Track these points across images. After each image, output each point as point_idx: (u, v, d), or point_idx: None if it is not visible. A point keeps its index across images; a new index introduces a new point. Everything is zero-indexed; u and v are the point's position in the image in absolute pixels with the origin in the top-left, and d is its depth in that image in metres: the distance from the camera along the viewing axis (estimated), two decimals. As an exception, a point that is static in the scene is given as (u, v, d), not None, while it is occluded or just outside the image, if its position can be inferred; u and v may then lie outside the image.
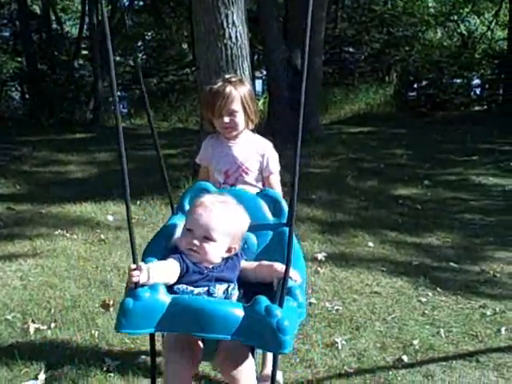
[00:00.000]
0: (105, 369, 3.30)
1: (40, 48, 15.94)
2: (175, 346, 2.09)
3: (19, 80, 16.40)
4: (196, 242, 2.14)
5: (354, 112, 14.88)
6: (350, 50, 18.93)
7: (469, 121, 12.55)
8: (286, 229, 2.33)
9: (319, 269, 4.78)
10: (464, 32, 16.96)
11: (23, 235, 5.61)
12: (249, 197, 2.52)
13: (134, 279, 1.87)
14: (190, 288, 2.09)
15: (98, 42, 14.41)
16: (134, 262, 1.89)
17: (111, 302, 4.08)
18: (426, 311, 4.02)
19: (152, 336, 2.06)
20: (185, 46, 21.56)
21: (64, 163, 8.89)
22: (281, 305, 1.83)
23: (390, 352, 3.48)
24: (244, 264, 2.27)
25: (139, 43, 20.44)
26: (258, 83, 17.55)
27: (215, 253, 2.17)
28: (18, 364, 3.36)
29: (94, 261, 4.95)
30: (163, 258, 2.15)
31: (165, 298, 1.87)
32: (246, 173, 2.93)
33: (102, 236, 5.52)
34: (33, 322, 3.84)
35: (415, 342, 3.58)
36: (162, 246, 2.27)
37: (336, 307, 4.06)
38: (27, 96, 16.91)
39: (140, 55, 20.28)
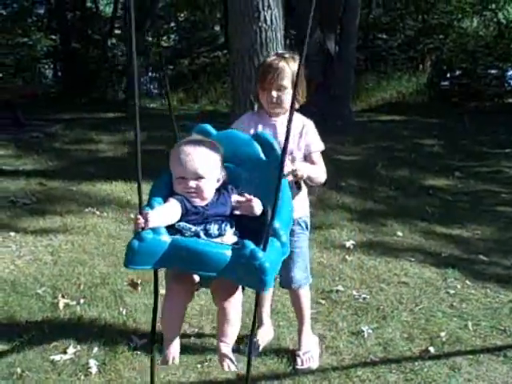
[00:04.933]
0: (132, 346, 3.34)
1: (74, 26, 16.01)
2: (173, 277, 2.31)
3: (52, 58, 16.52)
4: (191, 183, 2.32)
5: (385, 100, 14.68)
6: (384, 36, 18.67)
7: (502, 112, 12.31)
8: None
9: (347, 256, 4.76)
10: (502, 21, 16.52)
11: (54, 211, 5.68)
12: (243, 138, 2.59)
13: (139, 226, 2.10)
14: (189, 225, 2.27)
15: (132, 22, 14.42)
16: (140, 209, 2.14)
17: (139, 281, 4.12)
18: (454, 303, 3.98)
19: (155, 272, 2.29)
20: (217, 28, 21.50)
21: (95, 142, 8.94)
22: (264, 248, 2.05)
23: (416, 343, 3.47)
24: (234, 199, 2.40)
25: (172, 24, 20.43)
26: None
27: (209, 187, 2.35)
28: (47, 338, 3.43)
29: (124, 239, 4.99)
30: (166, 198, 2.34)
31: (165, 239, 2.11)
32: (291, 152, 2.88)
33: (132, 215, 5.56)
34: (62, 297, 3.91)
35: (442, 333, 3.56)
36: (165, 189, 2.42)
37: (363, 296, 4.05)
38: (60, 74, 17.03)
39: (173, 36, 20.29)
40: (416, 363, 3.26)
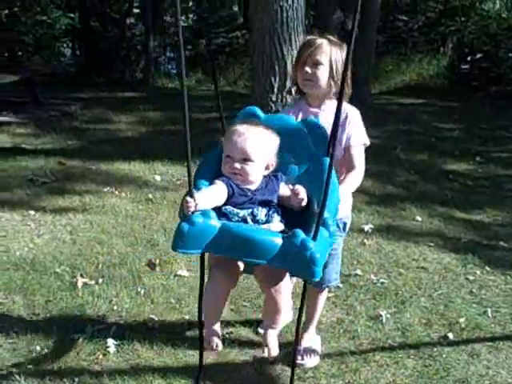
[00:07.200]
0: (150, 327, 3.36)
1: (93, 5, 15.95)
2: (217, 265, 2.30)
3: (71, 36, 16.50)
4: (237, 165, 2.32)
5: (405, 83, 14.52)
6: (404, 18, 18.42)
7: (524, 97, 12.12)
8: (326, 159, 2.33)
9: (365, 240, 4.72)
10: (525, 3, 16.25)
11: (73, 190, 5.69)
12: (294, 125, 2.58)
13: (190, 209, 2.06)
14: (236, 210, 2.25)
15: (151, 1, 14.34)
16: (190, 193, 2.09)
17: (157, 262, 4.14)
18: (474, 290, 3.95)
19: (202, 256, 2.25)
20: (235, 8, 21.35)
21: (114, 121, 8.93)
22: (315, 238, 2.02)
23: (435, 329, 3.45)
24: (282, 190, 2.39)
25: (190, 3, 20.29)
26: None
27: (255, 172, 2.35)
28: (66, 316, 3.45)
29: (142, 219, 5.01)
30: (212, 180, 2.34)
31: (215, 224, 2.07)
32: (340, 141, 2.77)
33: (150, 195, 5.56)
34: (81, 276, 3.93)
35: (461, 320, 3.53)
36: (211, 170, 2.42)
37: (381, 280, 4.02)
38: (78, 53, 17.03)
39: (191, 16, 20.17)
40: (434, 349, 3.24)
